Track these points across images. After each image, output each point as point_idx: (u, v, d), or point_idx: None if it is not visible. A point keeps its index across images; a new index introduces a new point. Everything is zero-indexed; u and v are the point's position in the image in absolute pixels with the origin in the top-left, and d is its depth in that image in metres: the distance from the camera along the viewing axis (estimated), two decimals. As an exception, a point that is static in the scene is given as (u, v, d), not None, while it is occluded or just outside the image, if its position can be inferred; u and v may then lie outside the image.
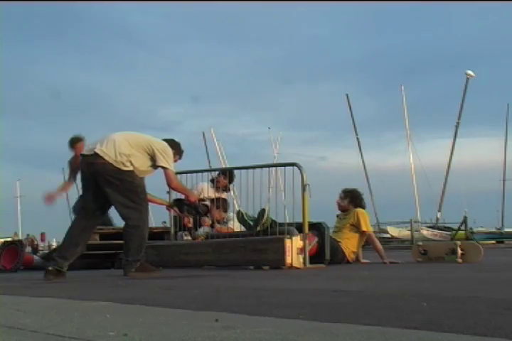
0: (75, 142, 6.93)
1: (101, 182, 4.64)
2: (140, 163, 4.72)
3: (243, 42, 65.73)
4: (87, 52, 63.15)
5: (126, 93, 64.27)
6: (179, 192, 5.31)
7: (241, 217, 6.14)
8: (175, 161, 5.05)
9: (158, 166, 4.78)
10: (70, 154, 7.05)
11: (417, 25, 58.70)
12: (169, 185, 5.02)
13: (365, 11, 48.11)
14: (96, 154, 4.61)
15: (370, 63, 58.84)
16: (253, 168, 6.13)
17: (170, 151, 4.85)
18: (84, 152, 4.80)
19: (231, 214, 7.08)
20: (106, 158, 4.59)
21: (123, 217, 4.73)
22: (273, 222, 5.89)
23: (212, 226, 6.85)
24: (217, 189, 7.21)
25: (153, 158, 4.75)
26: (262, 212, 5.86)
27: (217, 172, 7.49)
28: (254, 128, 67.37)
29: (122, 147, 4.65)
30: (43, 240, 24.15)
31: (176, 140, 5.21)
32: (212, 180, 7.27)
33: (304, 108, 63.67)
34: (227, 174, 7.18)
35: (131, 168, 4.66)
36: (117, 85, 65.39)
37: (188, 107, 67.53)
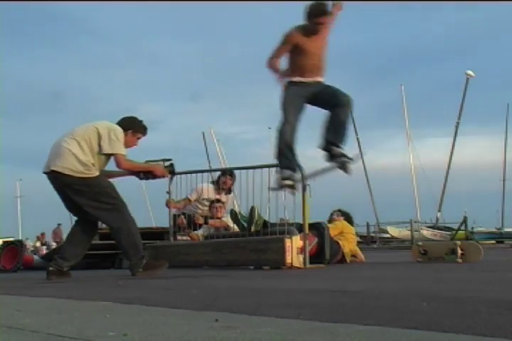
0: None
1: (70, 193, 4.65)
2: (98, 157, 4.64)
3: (221, 39, 65.59)
4: (64, 51, 63.48)
5: (106, 90, 64.33)
6: (137, 171, 4.98)
7: (234, 217, 6.13)
8: (138, 139, 4.95)
9: (105, 154, 4.65)
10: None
11: (415, 22, 58.69)
12: (118, 168, 4.79)
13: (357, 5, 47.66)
14: (54, 171, 4.60)
15: (363, 59, 58.73)
16: (253, 168, 6.13)
17: (118, 133, 4.69)
18: (44, 169, 4.73)
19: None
20: (66, 172, 4.57)
21: (103, 222, 4.71)
22: (265, 222, 5.90)
23: (206, 223, 6.83)
24: (222, 190, 7.14)
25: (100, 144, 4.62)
26: (252, 210, 5.84)
27: (217, 174, 7.42)
28: (240, 126, 67.02)
29: (77, 153, 4.57)
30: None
31: (137, 117, 5.02)
32: (213, 182, 7.21)
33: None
34: (232, 174, 7.12)
35: (95, 173, 4.62)
36: (96, 83, 65.47)
37: (170, 105, 67.32)
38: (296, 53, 5.27)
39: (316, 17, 5.14)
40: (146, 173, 4.97)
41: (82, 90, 63.75)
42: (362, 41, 58.49)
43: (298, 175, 5.33)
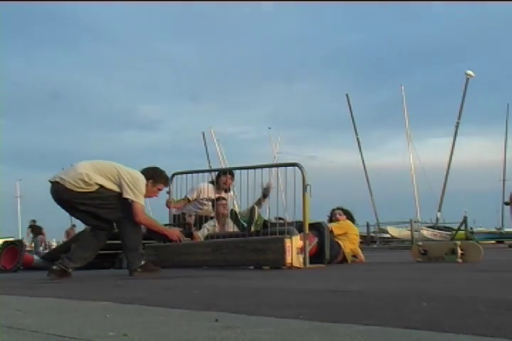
0: None
1: (73, 205, 4.73)
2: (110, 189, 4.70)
3: (221, 39, 65.67)
4: (64, 51, 63.70)
5: (105, 90, 64.42)
6: (148, 227, 5.06)
7: (234, 217, 6.12)
8: (159, 189, 5.01)
9: (125, 198, 4.69)
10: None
11: (415, 22, 58.64)
12: (134, 219, 4.75)
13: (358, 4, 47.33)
14: (57, 182, 4.66)
15: (363, 59, 58.70)
16: (254, 168, 6.13)
17: (140, 182, 4.73)
18: (50, 178, 4.79)
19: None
20: (66, 185, 4.62)
21: (110, 218, 4.76)
22: (265, 222, 5.89)
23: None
24: (222, 189, 7.14)
25: (120, 188, 4.68)
26: (252, 210, 5.84)
27: (216, 173, 7.43)
28: (240, 126, 67.08)
29: (85, 174, 4.62)
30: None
31: (159, 168, 5.09)
32: (212, 182, 7.21)
33: (291, 106, 63.49)
34: (232, 173, 7.11)
35: (94, 188, 4.64)
36: (96, 83, 65.58)
37: (170, 105, 67.37)
38: None
39: None
40: (161, 236, 5.09)
41: (82, 90, 63.83)
42: (362, 41, 58.59)
43: None
